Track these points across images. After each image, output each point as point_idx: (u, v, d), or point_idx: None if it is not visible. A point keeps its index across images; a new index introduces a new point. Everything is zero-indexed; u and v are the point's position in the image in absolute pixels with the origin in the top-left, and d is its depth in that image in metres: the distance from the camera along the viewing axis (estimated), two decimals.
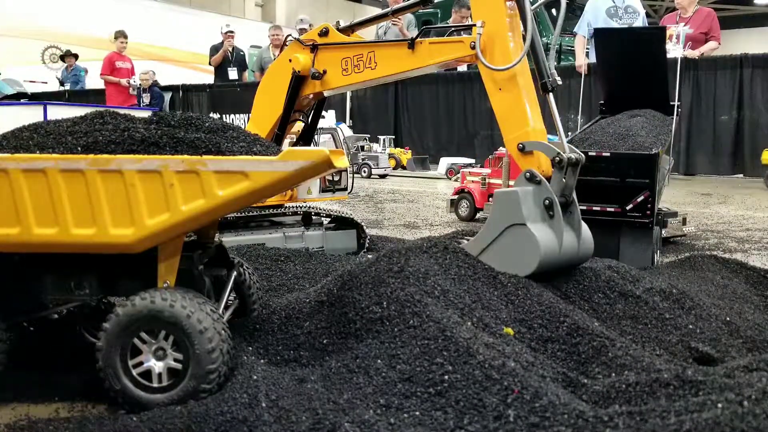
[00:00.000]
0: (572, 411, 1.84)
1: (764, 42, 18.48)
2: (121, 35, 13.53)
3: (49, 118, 2.92)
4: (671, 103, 4.91)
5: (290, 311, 2.68)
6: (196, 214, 2.13)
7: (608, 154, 3.80)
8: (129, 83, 13.26)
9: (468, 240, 3.22)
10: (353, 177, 4.99)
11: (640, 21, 9.31)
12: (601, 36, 5.29)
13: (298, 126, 4.26)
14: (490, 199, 4.72)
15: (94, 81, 18.81)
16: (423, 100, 13.48)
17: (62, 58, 17.42)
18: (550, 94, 3.26)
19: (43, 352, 2.61)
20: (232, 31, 12.97)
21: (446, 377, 2.03)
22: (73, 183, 2.13)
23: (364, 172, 11.85)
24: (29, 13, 20.91)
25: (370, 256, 2.96)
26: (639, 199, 3.76)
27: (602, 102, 5.17)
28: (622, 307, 2.82)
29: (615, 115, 4.73)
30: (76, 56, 16.98)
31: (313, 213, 4.65)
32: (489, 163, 6.49)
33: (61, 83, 16.95)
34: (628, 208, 3.79)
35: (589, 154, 3.46)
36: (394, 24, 10.45)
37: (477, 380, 1.99)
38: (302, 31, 10.64)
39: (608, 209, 3.82)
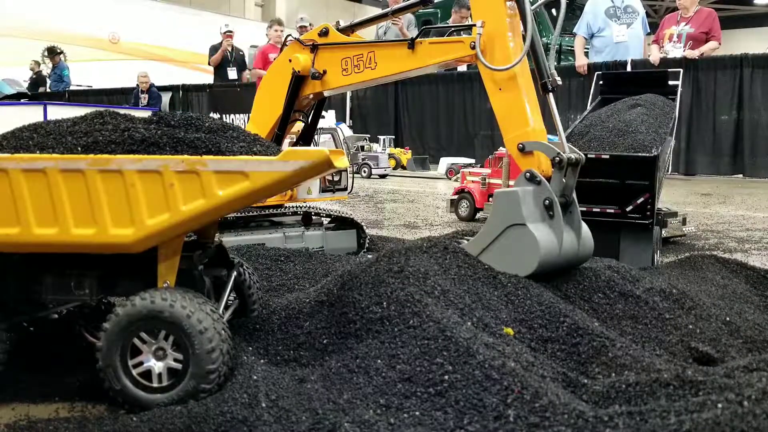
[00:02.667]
0: (572, 411, 1.84)
1: (764, 42, 18.47)
2: (276, 23, 11.42)
3: (49, 118, 2.92)
4: (670, 82, 4.91)
5: (290, 311, 2.68)
6: (196, 214, 2.13)
7: (607, 157, 3.78)
8: None
9: (468, 240, 3.21)
10: (353, 177, 4.99)
11: (639, 21, 9.30)
12: (604, 78, 5.27)
13: (298, 126, 4.26)
14: (490, 199, 4.72)
15: (95, 81, 18.84)
16: (423, 100, 13.48)
17: (48, 55, 17.27)
18: (550, 94, 3.25)
19: (43, 352, 2.61)
20: (231, 31, 12.97)
21: (446, 377, 2.03)
22: (73, 183, 2.13)
23: (364, 172, 11.85)
24: (29, 13, 20.92)
25: (370, 256, 2.96)
26: (639, 201, 3.75)
27: (602, 82, 5.17)
28: (622, 307, 2.81)
29: (615, 103, 4.70)
30: (60, 53, 16.90)
31: (313, 213, 4.65)
32: (489, 163, 6.49)
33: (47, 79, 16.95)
34: (628, 209, 3.78)
35: (589, 156, 3.46)
36: (394, 24, 10.46)
37: (477, 380, 1.99)
38: (302, 29, 10.64)
39: (608, 210, 3.82)
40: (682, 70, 4.92)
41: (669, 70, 5.01)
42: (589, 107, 4.91)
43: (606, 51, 9.49)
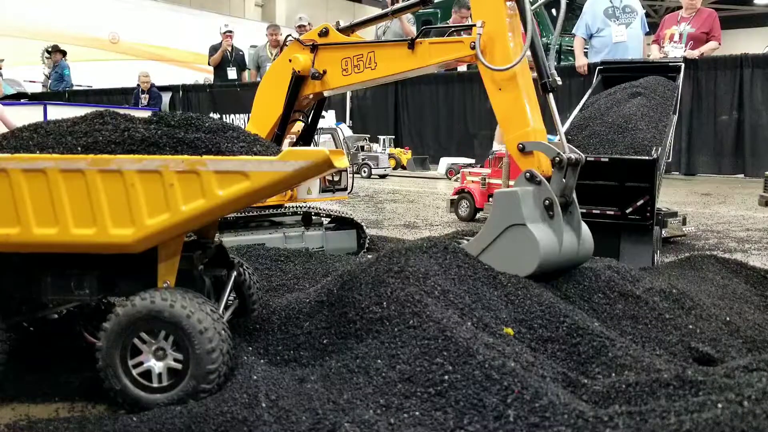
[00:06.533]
0: (572, 411, 1.84)
1: (764, 42, 18.48)
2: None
3: (49, 118, 2.92)
4: (670, 64, 4.91)
5: (290, 311, 2.68)
6: (196, 214, 2.13)
7: (606, 160, 3.77)
8: None
9: (468, 240, 3.21)
10: (353, 177, 5.00)
11: (638, 21, 9.30)
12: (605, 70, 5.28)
13: (298, 126, 4.26)
14: (490, 199, 4.72)
15: (95, 81, 18.83)
16: (423, 100, 13.48)
17: (48, 53, 17.23)
18: (550, 94, 3.25)
19: (43, 352, 2.61)
20: (230, 31, 12.96)
21: (446, 377, 2.03)
22: (73, 183, 2.13)
23: (364, 172, 11.86)
24: (29, 13, 20.93)
25: (370, 256, 2.96)
26: (639, 203, 3.75)
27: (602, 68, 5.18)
28: (622, 307, 2.81)
29: (615, 89, 4.68)
30: (63, 53, 16.88)
31: (313, 213, 4.66)
32: (489, 163, 6.49)
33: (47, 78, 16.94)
34: (627, 211, 3.77)
35: (588, 159, 3.45)
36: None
37: (477, 380, 1.99)
38: (301, 29, 10.63)
39: (608, 212, 3.81)
40: (683, 64, 4.92)
41: (670, 63, 5.01)
42: (587, 95, 4.90)
43: (605, 51, 9.49)
